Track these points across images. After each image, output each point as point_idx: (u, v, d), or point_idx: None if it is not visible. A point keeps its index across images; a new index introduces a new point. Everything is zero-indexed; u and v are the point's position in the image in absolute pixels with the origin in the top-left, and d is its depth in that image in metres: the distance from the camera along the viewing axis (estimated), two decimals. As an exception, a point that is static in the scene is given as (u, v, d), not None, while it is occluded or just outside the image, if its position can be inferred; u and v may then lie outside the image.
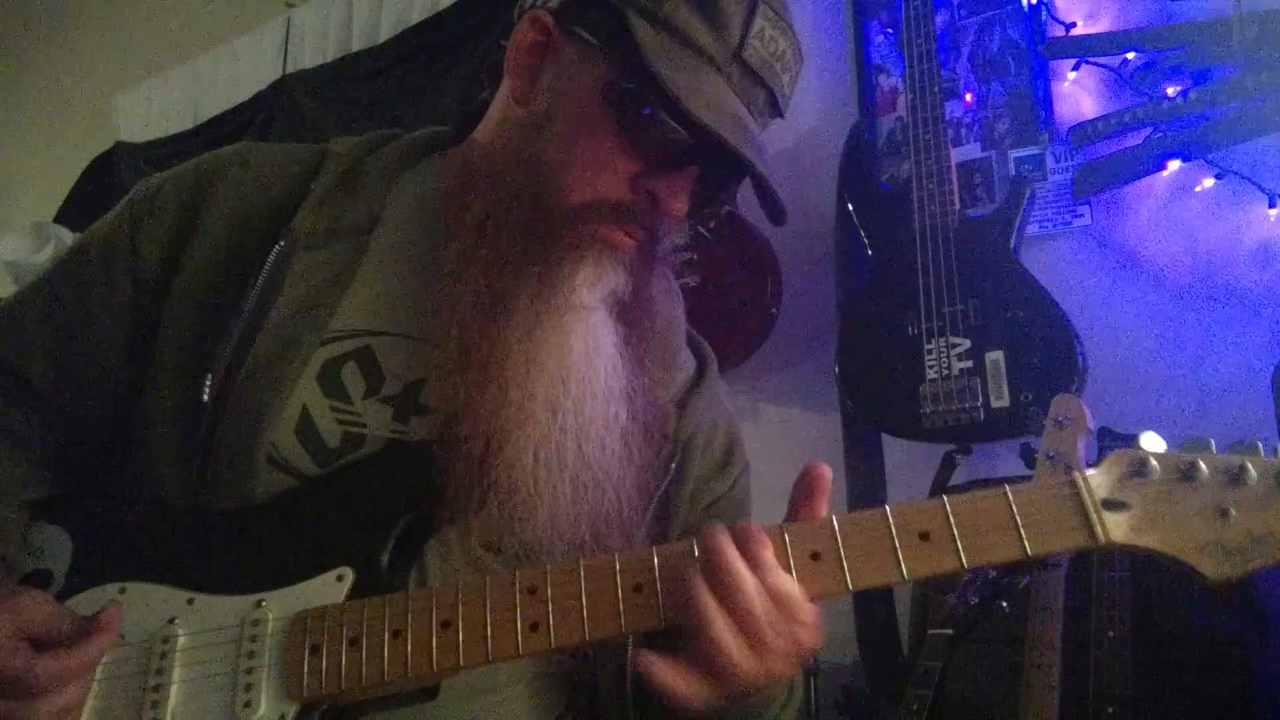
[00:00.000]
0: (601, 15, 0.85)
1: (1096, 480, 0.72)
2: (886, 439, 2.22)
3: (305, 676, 0.75)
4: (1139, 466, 0.72)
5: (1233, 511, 0.69)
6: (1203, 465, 0.71)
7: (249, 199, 0.93)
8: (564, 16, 0.87)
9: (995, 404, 1.92)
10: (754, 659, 0.71)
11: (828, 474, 0.76)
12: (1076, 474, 0.72)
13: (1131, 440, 1.61)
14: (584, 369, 0.85)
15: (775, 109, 0.89)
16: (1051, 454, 1.47)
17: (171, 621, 0.79)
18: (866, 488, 2.22)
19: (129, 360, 0.91)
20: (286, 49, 3.42)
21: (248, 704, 0.75)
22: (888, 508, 0.73)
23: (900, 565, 0.72)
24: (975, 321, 1.96)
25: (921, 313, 2.01)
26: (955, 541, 0.71)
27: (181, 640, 0.78)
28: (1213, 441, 0.73)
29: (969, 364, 1.95)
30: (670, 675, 0.72)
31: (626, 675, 0.89)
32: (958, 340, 1.97)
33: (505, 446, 0.82)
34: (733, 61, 0.84)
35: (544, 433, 0.83)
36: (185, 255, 0.91)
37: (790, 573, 0.73)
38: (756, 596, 0.71)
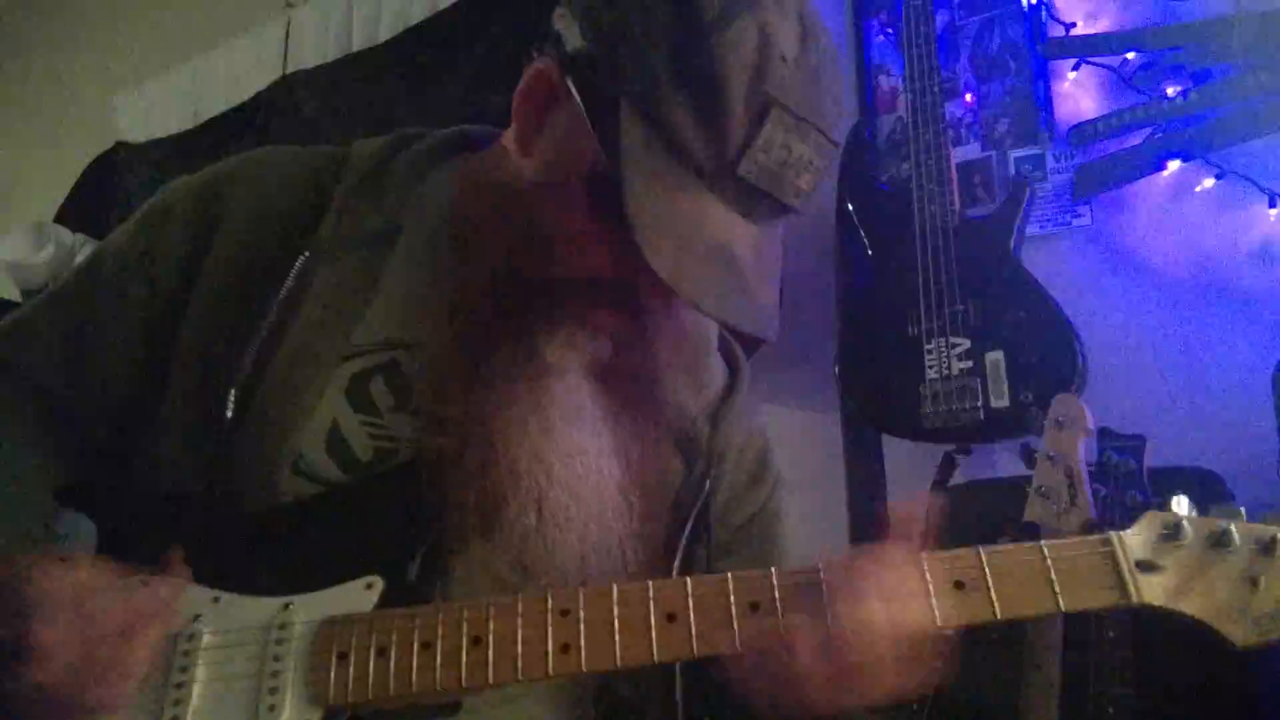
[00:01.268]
0: (602, 87, 0.78)
1: (1132, 540, 0.74)
2: (886, 439, 2.22)
3: (332, 683, 0.74)
4: (1173, 530, 0.74)
5: (1263, 580, 0.71)
6: (1235, 533, 0.73)
7: (268, 207, 0.91)
8: (571, 71, 0.81)
9: (995, 404, 1.92)
10: (857, 693, 0.70)
11: (915, 510, 0.76)
12: (1112, 534, 0.74)
13: (1131, 440, 1.60)
14: (565, 430, 0.84)
15: (786, 209, 0.80)
16: (1052, 454, 1.47)
17: (196, 619, 0.78)
18: (866, 488, 2.22)
19: (139, 375, 0.90)
20: (286, 49, 3.41)
21: (272, 707, 0.74)
22: (922, 556, 0.74)
23: (934, 613, 0.72)
24: (975, 321, 1.96)
25: (921, 313, 2.01)
26: (990, 592, 0.72)
27: (206, 639, 0.77)
28: (1243, 510, 0.75)
29: (969, 364, 1.95)
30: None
31: (678, 705, 0.88)
32: (958, 340, 1.97)
33: (508, 504, 0.81)
34: (727, 177, 0.75)
35: (543, 492, 0.82)
36: (203, 265, 0.89)
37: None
38: (873, 632, 0.69)
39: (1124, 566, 0.73)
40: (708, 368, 0.99)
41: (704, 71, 0.74)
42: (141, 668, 0.73)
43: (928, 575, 0.72)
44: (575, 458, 0.84)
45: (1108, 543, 0.73)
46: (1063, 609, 0.72)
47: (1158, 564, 0.73)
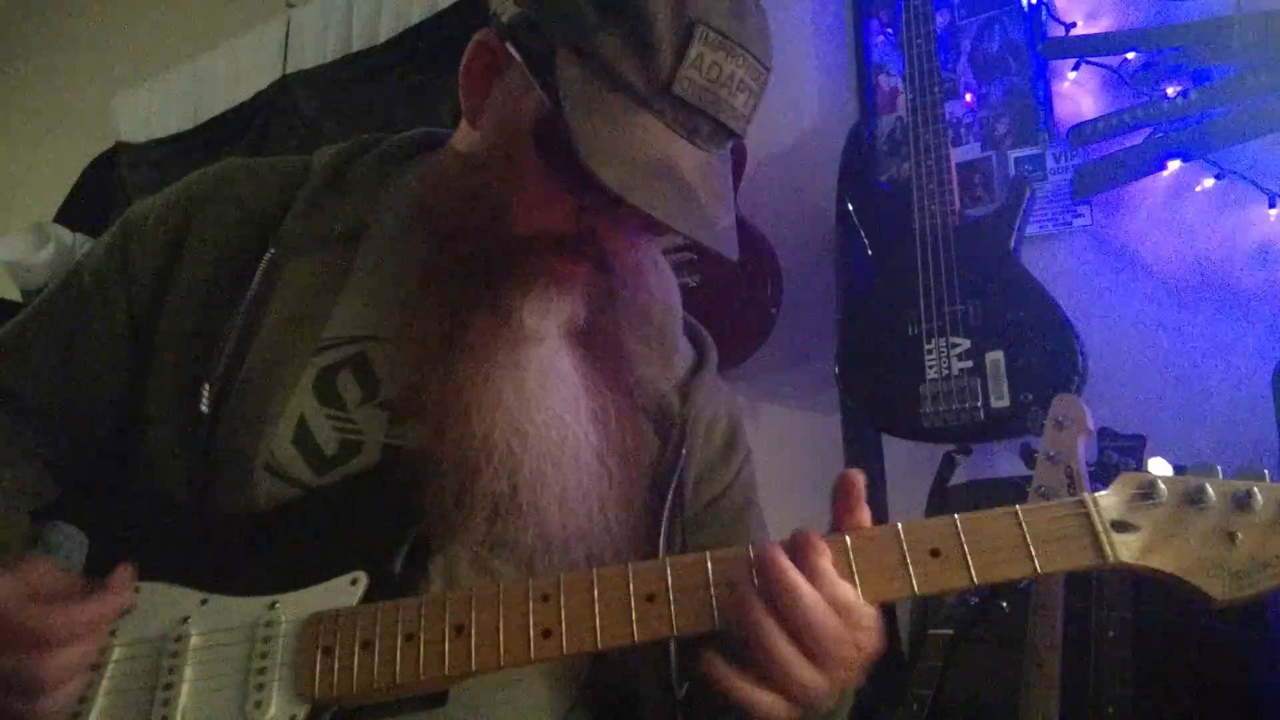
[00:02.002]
0: (538, 44, 0.82)
1: (1107, 502, 0.74)
2: (886, 439, 2.22)
3: (317, 678, 0.75)
4: (1148, 489, 0.74)
5: (1239, 535, 0.71)
6: (1210, 490, 0.72)
7: (236, 211, 0.94)
8: (509, 36, 0.85)
9: (995, 404, 1.92)
10: (821, 672, 0.72)
11: (860, 480, 0.78)
12: (1087, 495, 0.74)
13: (1131, 440, 1.60)
14: (542, 396, 0.86)
15: (727, 133, 0.83)
16: (1051, 454, 1.47)
17: (185, 621, 0.79)
18: (867, 488, 2.22)
19: (127, 378, 0.92)
20: (286, 49, 3.42)
21: (258, 704, 0.75)
22: (899, 524, 0.75)
23: (911, 580, 0.73)
24: (975, 321, 1.96)
25: (921, 313, 2.01)
26: (966, 558, 0.72)
27: (194, 640, 0.78)
28: (1219, 468, 0.74)
29: (969, 364, 1.95)
30: (745, 690, 0.71)
31: (673, 686, 0.89)
32: (958, 340, 1.97)
33: (481, 473, 0.83)
34: (663, 96, 0.78)
35: (518, 460, 0.84)
36: (176, 273, 0.92)
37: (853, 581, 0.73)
38: (817, 610, 0.71)
39: (1099, 527, 0.72)
40: (674, 343, 1.01)
41: (629, 3, 0.78)
42: (60, 685, 0.73)
43: (904, 543, 0.73)
44: (552, 425, 0.86)
45: (1082, 505, 0.73)
46: (1039, 571, 0.71)
47: (1133, 524, 0.72)
